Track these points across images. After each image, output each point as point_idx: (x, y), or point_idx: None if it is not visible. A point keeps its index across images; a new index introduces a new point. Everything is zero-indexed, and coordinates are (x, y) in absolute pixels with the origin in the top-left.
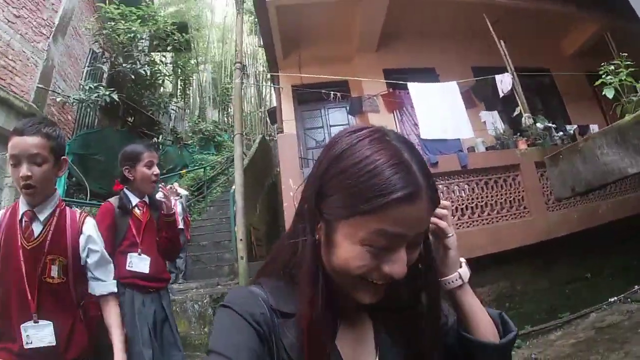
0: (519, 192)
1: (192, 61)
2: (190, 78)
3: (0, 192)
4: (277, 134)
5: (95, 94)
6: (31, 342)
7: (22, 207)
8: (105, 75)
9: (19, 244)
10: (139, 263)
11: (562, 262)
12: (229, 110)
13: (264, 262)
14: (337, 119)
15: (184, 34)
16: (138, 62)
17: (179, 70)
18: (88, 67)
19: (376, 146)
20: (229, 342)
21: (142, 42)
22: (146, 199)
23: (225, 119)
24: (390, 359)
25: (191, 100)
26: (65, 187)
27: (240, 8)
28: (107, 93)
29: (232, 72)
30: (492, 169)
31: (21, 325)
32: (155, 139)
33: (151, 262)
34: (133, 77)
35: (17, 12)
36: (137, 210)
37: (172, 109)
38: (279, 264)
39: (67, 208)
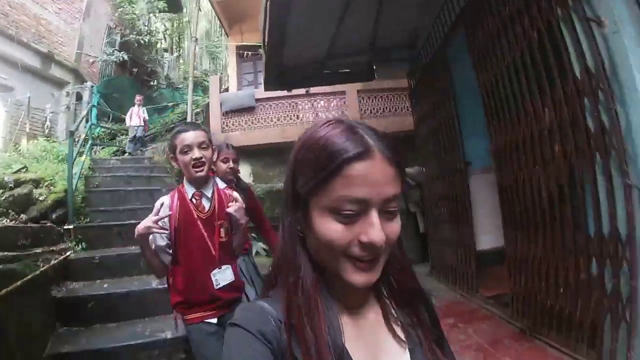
0: (344, 107)
1: (186, 19)
2: (184, 33)
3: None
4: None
5: (113, 56)
6: (219, 283)
7: (190, 191)
8: (118, 42)
9: (196, 216)
10: None
11: None
12: (219, 59)
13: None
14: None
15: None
16: (140, 33)
17: (172, 30)
18: (106, 37)
19: (331, 126)
20: None
21: (143, 17)
22: (233, 185)
23: (214, 67)
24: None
25: (186, 51)
26: (96, 113)
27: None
28: (120, 55)
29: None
30: (328, 93)
31: (211, 273)
32: (152, 83)
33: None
34: (136, 44)
35: (60, 5)
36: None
37: (166, 61)
38: (276, 271)
39: (219, 188)
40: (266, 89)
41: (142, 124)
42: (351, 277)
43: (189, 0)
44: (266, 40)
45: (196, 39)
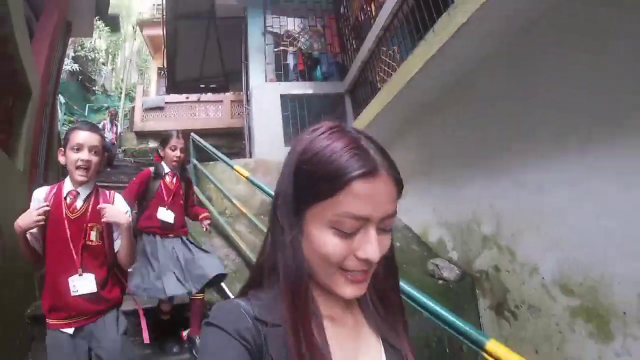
0: (222, 110)
1: (121, 39)
2: (118, 50)
3: None
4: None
5: (68, 66)
6: (77, 290)
7: (67, 187)
8: (70, 55)
9: (64, 215)
10: (165, 214)
11: None
12: (145, 74)
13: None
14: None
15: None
16: (86, 50)
17: (109, 49)
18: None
19: (334, 136)
20: None
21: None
22: (177, 172)
23: (141, 80)
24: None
25: (118, 65)
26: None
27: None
28: (71, 66)
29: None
30: (213, 101)
31: (68, 278)
32: (93, 88)
33: (175, 216)
34: (83, 58)
35: None
36: (167, 178)
37: (103, 73)
38: (264, 272)
39: (100, 189)
40: (167, 93)
41: (114, 141)
42: (342, 289)
43: (126, 23)
44: (165, 66)
45: (130, 60)
